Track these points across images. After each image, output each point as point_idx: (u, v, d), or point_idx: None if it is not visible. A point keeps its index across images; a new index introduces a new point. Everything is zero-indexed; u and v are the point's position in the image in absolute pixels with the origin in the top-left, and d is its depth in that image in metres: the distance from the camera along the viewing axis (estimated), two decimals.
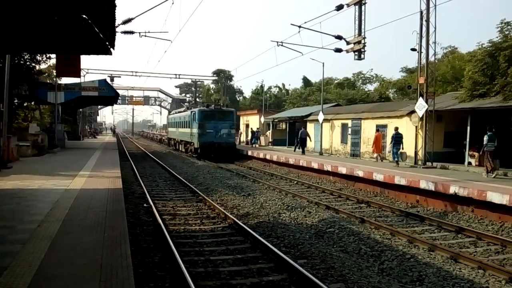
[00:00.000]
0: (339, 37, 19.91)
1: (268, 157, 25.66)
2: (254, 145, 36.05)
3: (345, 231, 9.49)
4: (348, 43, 19.90)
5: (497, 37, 19.15)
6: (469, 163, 18.49)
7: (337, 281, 6.41)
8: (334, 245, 8.57)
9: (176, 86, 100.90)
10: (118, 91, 37.65)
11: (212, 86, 78.76)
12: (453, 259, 7.75)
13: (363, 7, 18.87)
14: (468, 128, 18.00)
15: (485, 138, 15.30)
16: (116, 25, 9.09)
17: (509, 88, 16.77)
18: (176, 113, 41.78)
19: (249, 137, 38.70)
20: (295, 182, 18.32)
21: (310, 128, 30.24)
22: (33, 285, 4.33)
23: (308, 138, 27.46)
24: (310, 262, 7.28)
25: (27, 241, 5.87)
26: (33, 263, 4.97)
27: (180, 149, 35.90)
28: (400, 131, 19.69)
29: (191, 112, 30.20)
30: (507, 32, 18.89)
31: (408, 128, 20.36)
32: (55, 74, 29.11)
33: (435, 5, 18.06)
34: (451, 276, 6.87)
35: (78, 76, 28.33)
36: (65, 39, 10.16)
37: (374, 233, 9.58)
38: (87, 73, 47.90)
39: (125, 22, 17.66)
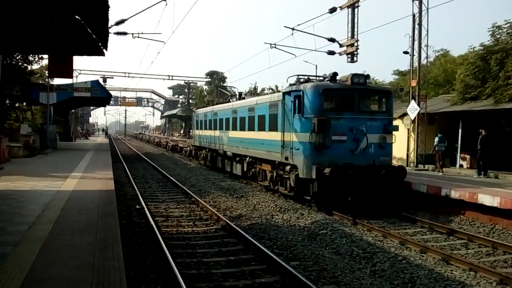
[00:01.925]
0: (332, 40, 20.04)
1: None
2: None
3: (338, 233, 9.50)
4: (341, 45, 20.05)
5: (488, 41, 19.39)
6: (461, 166, 18.67)
7: (329, 283, 6.42)
8: (326, 247, 8.58)
9: (169, 88, 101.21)
10: (110, 92, 37.54)
11: (205, 87, 78.79)
12: (444, 261, 7.79)
13: (356, 10, 19.08)
14: (460, 130, 18.16)
15: (436, 139, 16.55)
16: (109, 26, 9.09)
17: (500, 91, 16.95)
18: (220, 102, 23.14)
19: None
20: None
21: None
22: (24, 287, 4.29)
23: None
24: (303, 264, 7.29)
25: (18, 243, 5.83)
26: (24, 265, 4.93)
27: (235, 171, 18.34)
28: None
29: (285, 94, 13.29)
30: (498, 36, 19.11)
31: (400, 131, 20.43)
32: (47, 74, 28.98)
33: (427, 9, 18.27)
34: (442, 278, 6.91)
35: (71, 77, 28.28)
36: (57, 40, 10.14)
37: (366, 235, 9.61)
38: (79, 74, 47.90)
39: (118, 23, 17.67)
